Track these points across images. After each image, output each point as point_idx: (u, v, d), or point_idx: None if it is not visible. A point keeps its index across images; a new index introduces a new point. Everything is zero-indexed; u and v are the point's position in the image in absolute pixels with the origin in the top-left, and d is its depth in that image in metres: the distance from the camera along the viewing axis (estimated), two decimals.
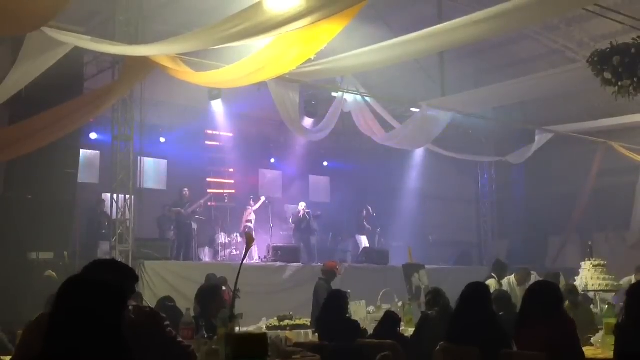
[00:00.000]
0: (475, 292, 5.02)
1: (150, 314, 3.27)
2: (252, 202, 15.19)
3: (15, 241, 10.19)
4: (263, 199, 15.25)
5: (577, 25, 13.64)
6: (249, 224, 14.74)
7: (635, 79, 7.21)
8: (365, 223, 16.24)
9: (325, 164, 18.05)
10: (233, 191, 16.08)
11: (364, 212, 16.27)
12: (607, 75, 7.37)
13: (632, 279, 10.00)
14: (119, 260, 10.66)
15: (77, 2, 8.16)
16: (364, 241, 16.11)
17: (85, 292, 2.42)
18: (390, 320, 6.65)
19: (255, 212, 15.09)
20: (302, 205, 15.51)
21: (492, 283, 9.46)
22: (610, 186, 16.48)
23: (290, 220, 15.72)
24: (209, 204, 15.16)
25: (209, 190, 15.48)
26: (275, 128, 15.56)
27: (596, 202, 16.56)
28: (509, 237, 18.15)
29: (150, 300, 9.41)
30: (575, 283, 9.63)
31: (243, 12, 7.34)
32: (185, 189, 14.08)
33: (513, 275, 10.10)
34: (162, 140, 14.93)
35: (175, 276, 11.36)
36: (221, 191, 15.91)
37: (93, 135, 13.35)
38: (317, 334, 6.86)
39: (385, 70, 12.13)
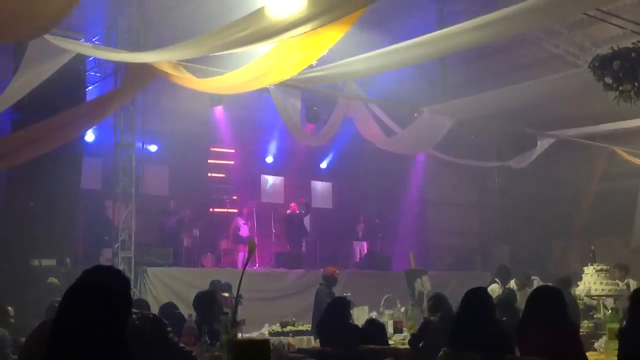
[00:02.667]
0: (476, 297, 5.01)
1: (154, 320, 3.27)
2: (243, 211, 15.18)
3: (17, 248, 10.19)
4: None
5: (578, 30, 13.64)
6: (239, 233, 14.73)
7: (636, 84, 7.21)
8: (359, 233, 16.26)
9: (327, 168, 18.05)
10: (235, 197, 16.09)
11: (361, 218, 16.32)
12: (608, 80, 7.36)
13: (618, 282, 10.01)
14: (121, 267, 10.69)
15: (79, 10, 8.18)
16: (360, 249, 16.14)
17: (89, 299, 2.41)
18: (374, 328, 6.62)
19: (247, 220, 15.06)
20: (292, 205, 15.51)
21: (495, 288, 9.46)
22: (612, 191, 16.44)
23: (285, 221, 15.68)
24: (210, 209, 15.18)
25: (210, 196, 15.50)
26: (277, 134, 15.59)
27: (599, 206, 16.51)
28: (511, 242, 18.10)
29: (152, 306, 9.40)
30: (578, 288, 9.64)
31: (245, 19, 7.36)
32: (172, 201, 14.10)
33: (513, 280, 10.10)
34: (164, 146, 14.96)
35: (177, 282, 11.36)
36: (223, 196, 15.92)
37: (95, 142, 13.36)
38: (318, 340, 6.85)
39: (387, 75, 12.15)
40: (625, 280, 10.03)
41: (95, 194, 13.49)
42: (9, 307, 7.33)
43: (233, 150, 16.11)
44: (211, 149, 16.08)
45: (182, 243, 13.79)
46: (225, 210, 15.64)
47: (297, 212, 15.35)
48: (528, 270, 11.09)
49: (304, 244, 15.20)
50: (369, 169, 17.25)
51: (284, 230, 15.37)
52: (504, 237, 18.40)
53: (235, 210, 15.39)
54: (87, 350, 2.31)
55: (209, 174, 16.19)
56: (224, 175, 16.35)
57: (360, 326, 6.78)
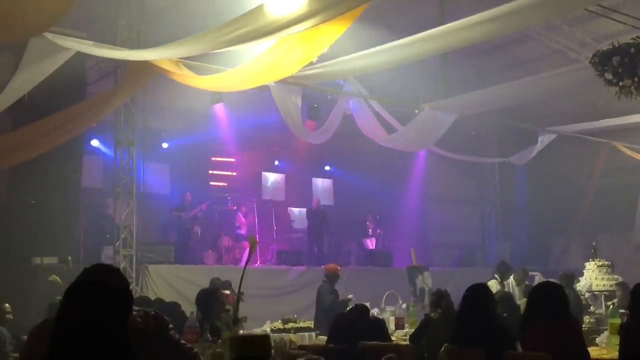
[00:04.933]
0: (477, 293, 5.01)
1: (156, 317, 3.27)
2: (242, 208, 15.17)
3: (19, 246, 10.21)
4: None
5: (579, 26, 13.62)
6: (239, 231, 14.72)
7: (636, 79, 7.21)
8: (368, 228, 16.28)
9: (328, 167, 18.05)
10: (236, 195, 16.09)
11: (368, 217, 16.34)
12: (608, 75, 7.36)
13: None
14: (123, 264, 10.70)
15: (79, 8, 8.17)
16: (369, 244, 16.17)
17: (91, 297, 2.41)
18: (374, 326, 6.62)
19: (246, 216, 15.05)
20: (316, 200, 15.41)
21: (493, 284, 9.46)
22: (613, 186, 16.45)
23: (306, 216, 15.56)
24: (214, 206, 15.18)
25: (211, 196, 15.50)
26: (277, 131, 15.58)
27: (600, 202, 16.53)
28: (512, 238, 18.13)
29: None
30: (579, 283, 9.65)
31: (244, 16, 7.35)
32: (188, 193, 14.07)
33: (512, 276, 10.11)
34: (165, 144, 14.95)
35: (178, 280, 11.38)
36: (224, 194, 15.93)
37: (96, 140, 13.36)
38: (322, 337, 6.86)
39: (387, 72, 12.13)
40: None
41: (96, 191, 13.49)
42: (6, 304, 7.32)
43: (234, 148, 16.11)
44: (212, 146, 16.08)
45: (190, 238, 13.79)
46: (227, 207, 15.64)
47: (320, 208, 15.28)
48: (529, 266, 11.10)
49: (324, 241, 15.13)
50: (370, 166, 17.23)
51: (307, 226, 15.27)
52: (505, 233, 18.42)
53: (236, 208, 15.38)
54: (90, 348, 2.31)
55: (210, 172, 16.19)
56: (224, 173, 16.35)
57: None
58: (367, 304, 9.62)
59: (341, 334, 6.18)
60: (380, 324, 6.72)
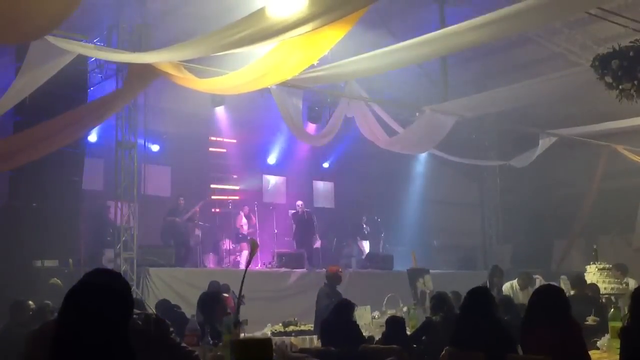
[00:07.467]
0: (478, 296, 5.02)
1: (157, 321, 3.28)
2: (245, 208, 15.16)
3: (20, 249, 10.20)
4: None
5: (579, 29, 13.62)
6: (243, 232, 14.71)
7: (636, 82, 7.21)
8: (364, 230, 16.27)
9: (329, 168, 18.04)
10: (237, 197, 16.10)
11: (364, 218, 16.35)
12: (608, 79, 7.37)
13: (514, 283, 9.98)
14: (124, 267, 10.71)
15: (80, 11, 8.19)
16: (366, 246, 16.15)
17: (91, 301, 2.42)
18: (394, 326, 6.62)
19: (248, 218, 15.04)
20: (299, 203, 15.43)
21: None
22: (614, 189, 16.43)
23: (292, 220, 15.60)
24: (212, 209, 15.16)
25: (212, 197, 15.51)
26: (278, 134, 15.59)
27: (601, 205, 16.50)
28: (513, 241, 18.10)
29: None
30: None
31: (246, 19, 7.36)
32: (181, 198, 14.04)
33: (516, 280, 10.06)
34: (166, 147, 14.96)
35: (179, 283, 11.37)
36: (225, 197, 15.94)
37: (97, 143, 13.36)
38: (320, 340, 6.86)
39: (388, 75, 12.16)
40: (625, 280, 10.01)
41: (97, 194, 13.50)
42: (30, 302, 7.19)
43: (235, 151, 16.12)
44: (213, 149, 16.09)
45: (189, 242, 13.76)
46: (227, 210, 15.64)
47: (305, 211, 15.26)
48: (530, 269, 11.07)
49: (314, 242, 15.12)
50: (370, 168, 17.25)
51: (295, 230, 15.26)
52: (505, 236, 18.40)
53: (237, 210, 15.38)
54: (91, 351, 2.32)
55: (211, 174, 16.20)
56: (225, 175, 16.36)
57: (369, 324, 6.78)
58: (368, 307, 9.67)
59: (332, 338, 6.18)
60: (399, 323, 6.68)
